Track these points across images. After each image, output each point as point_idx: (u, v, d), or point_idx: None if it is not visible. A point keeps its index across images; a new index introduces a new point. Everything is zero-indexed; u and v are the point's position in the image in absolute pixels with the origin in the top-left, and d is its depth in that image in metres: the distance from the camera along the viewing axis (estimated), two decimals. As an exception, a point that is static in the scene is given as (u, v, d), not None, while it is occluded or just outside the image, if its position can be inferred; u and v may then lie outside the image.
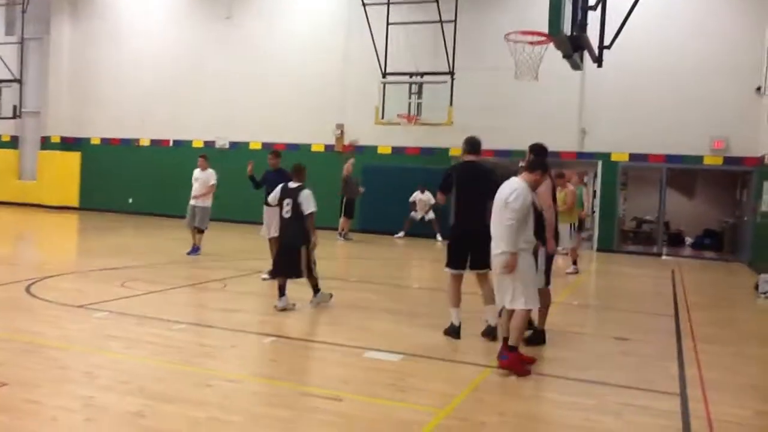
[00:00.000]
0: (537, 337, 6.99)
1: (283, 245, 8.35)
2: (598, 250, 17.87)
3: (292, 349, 6.63)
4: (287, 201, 8.20)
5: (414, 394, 5.28)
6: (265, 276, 10.17)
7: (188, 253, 12.55)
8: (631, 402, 5.33)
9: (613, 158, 17.84)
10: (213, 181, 12.71)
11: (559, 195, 10.88)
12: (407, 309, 8.68)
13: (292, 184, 8.37)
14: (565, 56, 8.11)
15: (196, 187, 12.73)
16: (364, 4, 17.14)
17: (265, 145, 20.21)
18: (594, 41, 8.54)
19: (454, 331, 7.04)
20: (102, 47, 23.32)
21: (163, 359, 5.93)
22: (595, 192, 18.93)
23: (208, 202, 12.69)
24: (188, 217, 12.74)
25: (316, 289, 8.43)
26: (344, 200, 17.53)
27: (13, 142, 24.85)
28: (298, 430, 4.45)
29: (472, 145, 7.21)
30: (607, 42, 8.70)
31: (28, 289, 8.72)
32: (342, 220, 17.52)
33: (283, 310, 8.03)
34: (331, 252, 14.29)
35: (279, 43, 20.84)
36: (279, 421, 4.56)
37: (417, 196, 18.25)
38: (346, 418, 4.68)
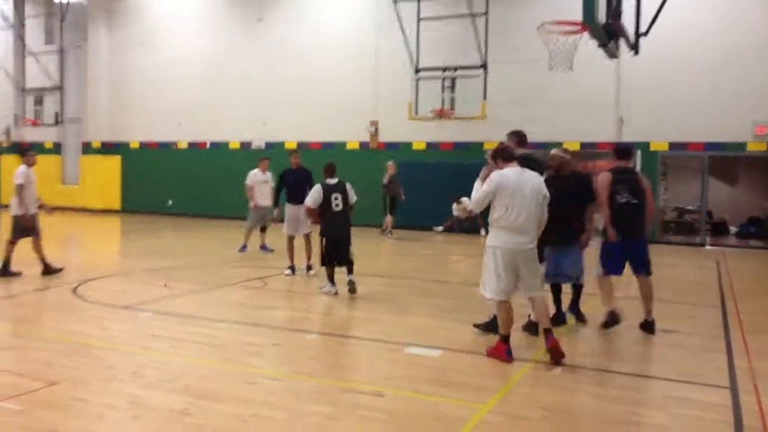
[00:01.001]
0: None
1: (335, 236, 8.95)
2: (639, 241, 17.56)
3: (333, 346, 6.66)
4: (335, 195, 8.94)
5: (456, 389, 5.26)
6: (288, 272, 10.64)
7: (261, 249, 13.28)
8: (678, 395, 5.23)
9: (652, 147, 17.50)
10: (272, 183, 12.95)
11: None
12: (447, 304, 8.65)
13: (332, 181, 9.04)
14: (600, 45, 7.99)
15: (265, 190, 12.93)
16: (394, 1, 17.12)
17: (300, 144, 20.34)
18: (629, 28, 8.39)
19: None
20: (137, 53, 23.73)
21: (206, 358, 6.02)
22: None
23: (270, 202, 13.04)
24: (258, 217, 12.97)
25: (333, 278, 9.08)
26: (389, 198, 17.42)
27: (56, 149, 25.44)
28: (341, 427, 4.47)
29: (523, 138, 7.16)
30: (643, 29, 8.55)
31: (74, 291, 8.93)
32: (389, 218, 17.43)
33: (327, 294, 8.92)
34: (372, 249, 14.32)
35: (311, 42, 20.94)
36: (322, 418, 4.59)
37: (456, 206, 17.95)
38: (389, 414, 4.68)
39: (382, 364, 5.96)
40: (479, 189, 6.18)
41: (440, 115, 17.10)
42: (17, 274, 9.90)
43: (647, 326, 7.30)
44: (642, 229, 7.28)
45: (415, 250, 15.33)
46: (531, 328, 6.93)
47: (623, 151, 7.61)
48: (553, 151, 7.32)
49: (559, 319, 7.24)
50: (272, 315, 8.01)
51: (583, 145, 18.02)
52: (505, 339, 6.04)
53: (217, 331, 6.94)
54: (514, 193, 5.90)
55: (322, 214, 8.98)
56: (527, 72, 17.79)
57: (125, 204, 23.98)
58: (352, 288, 8.88)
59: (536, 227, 6.06)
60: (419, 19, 17.21)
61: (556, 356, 5.89)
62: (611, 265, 7.27)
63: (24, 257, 10.18)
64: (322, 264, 9.12)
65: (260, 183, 13.04)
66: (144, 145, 23.84)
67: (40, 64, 22.44)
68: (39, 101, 22.75)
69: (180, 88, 22.88)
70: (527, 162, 6.42)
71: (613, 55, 8.67)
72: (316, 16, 21.06)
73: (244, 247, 13.24)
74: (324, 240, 9.02)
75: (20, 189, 9.90)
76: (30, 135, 25.36)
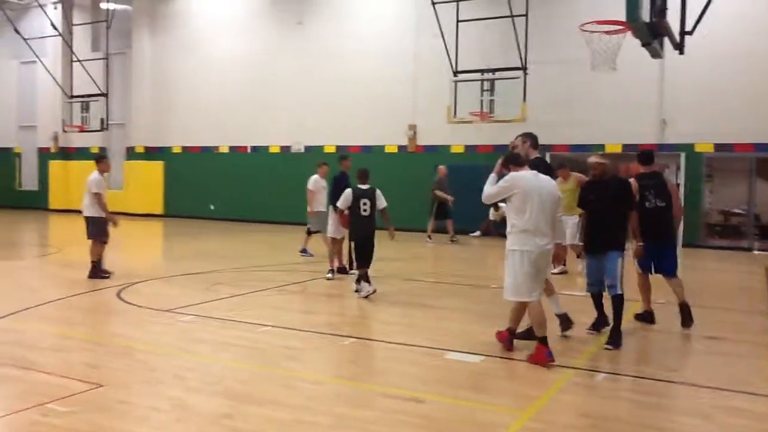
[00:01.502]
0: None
1: (364, 239, 9.24)
2: (683, 245, 17.16)
3: (372, 351, 6.66)
4: (364, 201, 9.22)
5: (496, 395, 5.22)
6: (330, 276, 10.74)
7: (302, 252, 13.39)
8: (723, 404, 5.10)
9: (697, 149, 17.11)
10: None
11: (565, 186, 10.50)
12: (486, 309, 8.58)
13: (363, 186, 9.29)
14: (643, 44, 7.82)
15: (325, 195, 12.51)
16: (433, 3, 17.07)
17: (339, 148, 20.44)
18: (674, 27, 8.22)
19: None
20: (179, 58, 24.16)
21: (247, 361, 6.09)
22: (677, 185, 18.18)
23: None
24: (319, 222, 12.46)
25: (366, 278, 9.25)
26: (437, 203, 17.11)
27: (102, 154, 25.98)
28: (382, 431, 4.47)
29: (536, 140, 7.35)
30: (688, 27, 8.36)
31: (118, 294, 9.12)
32: (432, 222, 17.17)
33: (367, 297, 9.00)
34: (411, 253, 14.30)
35: (350, 46, 21.04)
36: (362, 422, 4.60)
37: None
38: (429, 420, 4.67)
39: (421, 370, 5.94)
40: (493, 183, 6.33)
41: (480, 117, 16.96)
42: (106, 275, 10.31)
43: (684, 308, 7.59)
44: (670, 231, 7.65)
45: (452, 254, 15.27)
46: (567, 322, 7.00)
47: (646, 156, 7.81)
48: (592, 159, 7.23)
49: (602, 323, 7.15)
50: (311, 319, 8.07)
51: (625, 147, 17.72)
52: (543, 341, 6.01)
53: (257, 334, 7.00)
54: (532, 194, 6.01)
55: (351, 218, 9.35)
56: (568, 73, 17.59)
57: (168, 208, 24.39)
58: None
59: (552, 229, 6.18)
60: (458, 21, 17.11)
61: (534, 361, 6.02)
62: (642, 264, 7.64)
63: (76, 260, 10.42)
64: (353, 267, 9.54)
65: (321, 189, 12.80)
66: (186, 150, 24.24)
67: (87, 70, 22.98)
68: (85, 107, 23.26)
69: (221, 93, 23.21)
70: (538, 167, 6.54)
71: (656, 54, 8.47)
72: (355, 19, 21.16)
73: (304, 251, 13.36)
74: (353, 243, 9.48)
75: (98, 198, 10.39)
76: (76, 140, 26.03)
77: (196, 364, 5.96)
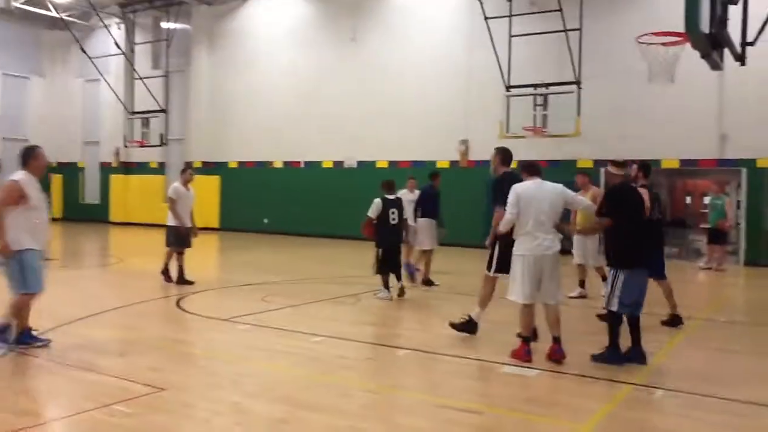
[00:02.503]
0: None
1: (390, 247, 9.93)
2: (745, 264, 16.65)
3: (426, 362, 6.66)
4: (392, 210, 9.92)
5: (553, 409, 5.16)
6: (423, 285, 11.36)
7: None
8: (792, 423, 4.93)
9: (759, 164, 16.60)
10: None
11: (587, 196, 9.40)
12: (539, 322, 8.48)
13: (390, 196, 10.04)
14: (703, 56, 7.66)
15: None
16: (486, 18, 17.09)
17: (391, 163, 20.56)
18: (735, 37, 8.03)
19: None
20: (236, 75, 24.74)
21: (302, 369, 6.17)
22: (738, 202, 17.66)
23: None
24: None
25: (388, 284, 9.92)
26: None
27: (161, 168, 26.80)
28: (437, 441, 4.47)
29: (507, 155, 7.57)
30: (750, 38, 8.14)
31: (178, 303, 9.36)
32: None
33: (383, 299, 9.76)
34: (463, 267, 14.24)
35: (402, 61, 21.21)
36: (417, 431, 4.61)
37: None
38: (485, 431, 4.65)
39: (477, 382, 5.93)
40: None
41: (533, 132, 16.84)
42: (171, 281, 10.99)
43: (674, 321, 8.10)
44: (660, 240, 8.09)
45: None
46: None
47: (646, 167, 8.26)
48: (611, 168, 6.76)
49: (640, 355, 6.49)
50: (365, 330, 8.12)
51: (682, 163, 17.34)
52: (526, 340, 6.52)
53: (311, 344, 7.09)
54: (531, 202, 6.39)
55: (378, 226, 9.86)
56: (623, 86, 17.35)
57: (223, 222, 24.89)
58: (401, 292, 9.96)
59: (555, 234, 6.44)
60: (511, 36, 17.09)
61: (554, 359, 6.38)
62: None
63: (137, 270, 10.73)
64: (377, 272, 9.92)
65: (409, 203, 12.88)
66: (242, 165, 24.74)
67: (148, 88, 23.77)
68: (146, 123, 24.05)
69: (275, 109, 23.65)
70: (502, 182, 6.94)
71: (716, 66, 8.26)
72: (407, 34, 21.32)
73: (408, 266, 13.25)
74: (380, 251, 9.93)
75: (171, 203, 11.05)
76: (137, 155, 26.87)
77: (253, 371, 6.08)
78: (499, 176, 7.41)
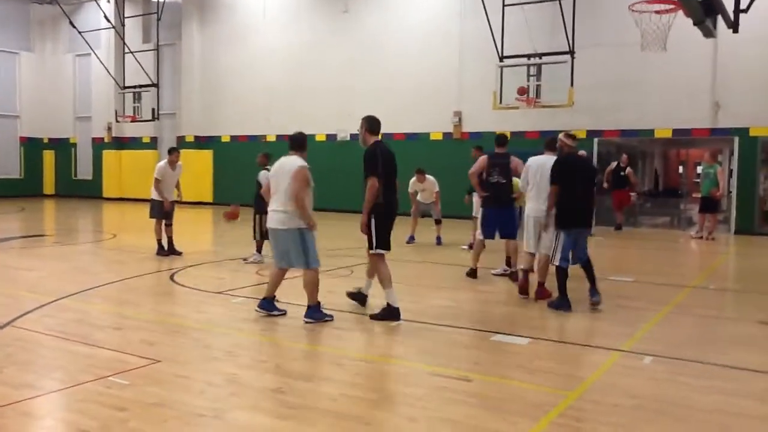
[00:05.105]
0: None
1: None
2: (736, 232, 16.77)
3: (418, 332, 6.73)
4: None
5: (543, 376, 5.24)
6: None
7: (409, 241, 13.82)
8: (778, 387, 5.02)
9: (752, 133, 16.61)
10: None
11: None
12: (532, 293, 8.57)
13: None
14: (696, 23, 7.65)
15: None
16: (479, -13, 16.92)
17: (384, 136, 20.46)
18: (728, 5, 8.01)
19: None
20: (228, 49, 24.53)
21: (296, 340, 6.23)
22: (731, 171, 17.72)
23: None
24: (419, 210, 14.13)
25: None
26: None
27: (153, 143, 26.67)
28: (431, 407, 4.53)
29: (374, 123, 7.87)
30: (743, 5, 8.13)
31: (172, 277, 9.41)
32: None
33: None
34: (460, 239, 14.30)
35: (395, 33, 21.05)
36: (410, 398, 4.68)
37: None
38: (477, 398, 4.73)
39: (467, 350, 6.00)
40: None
41: (526, 103, 16.78)
42: (165, 253, 11.46)
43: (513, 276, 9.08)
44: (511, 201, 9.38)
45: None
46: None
47: (501, 139, 9.55)
48: (562, 136, 7.74)
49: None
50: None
51: (675, 132, 17.36)
52: (525, 273, 8.16)
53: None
54: (536, 173, 8.08)
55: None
56: (616, 56, 17.29)
57: (216, 196, 24.86)
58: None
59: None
60: (504, 5, 16.94)
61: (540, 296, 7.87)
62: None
63: (130, 245, 10.74)
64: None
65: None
66: (234, 139, 24.64)
67: (139, 62, 23.54)
68: (137, 98, 23.86)
69: (268, 82, 23.49)
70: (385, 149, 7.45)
71: (709, 33, 8.27)
72: (399, 6, 21.14)
73: (411, 238, 13.83)
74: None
75: (156, 183, 11.68)
76: (129, 130, 26.71)
77: (248, 342, 6.14)
78: (370, 147, 7.30)
